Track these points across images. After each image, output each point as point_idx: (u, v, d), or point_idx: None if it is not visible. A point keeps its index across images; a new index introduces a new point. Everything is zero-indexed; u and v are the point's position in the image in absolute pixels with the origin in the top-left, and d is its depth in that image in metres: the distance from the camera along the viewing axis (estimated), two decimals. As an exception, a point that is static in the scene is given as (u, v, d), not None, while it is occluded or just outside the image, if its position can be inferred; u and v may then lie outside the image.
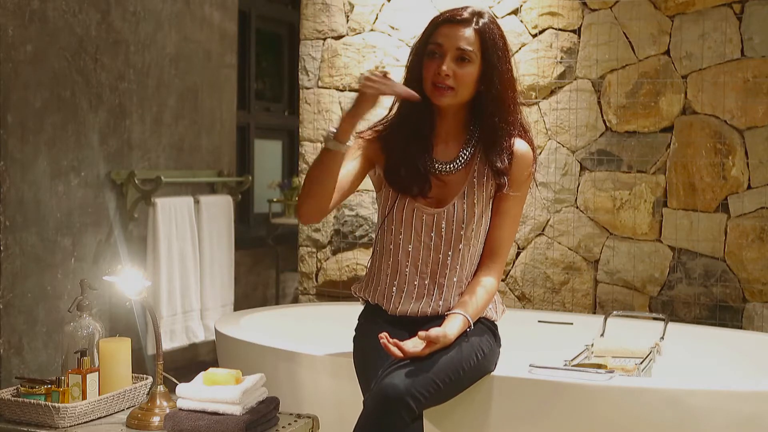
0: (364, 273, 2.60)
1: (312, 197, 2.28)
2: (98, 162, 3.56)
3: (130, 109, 3.71)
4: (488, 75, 2.32)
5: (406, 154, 2.38)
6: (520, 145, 2.40)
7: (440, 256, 2.38)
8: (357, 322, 2.53)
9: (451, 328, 2.25)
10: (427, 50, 2.33)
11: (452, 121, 2.40)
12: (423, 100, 2.32)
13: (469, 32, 2.31)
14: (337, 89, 3.93)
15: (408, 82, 2.38)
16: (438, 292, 2.39)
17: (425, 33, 2.37)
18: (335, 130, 2.22)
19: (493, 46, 2.32)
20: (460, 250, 2.37)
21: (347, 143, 2.23)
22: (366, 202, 3.88)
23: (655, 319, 3.22)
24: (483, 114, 2.36)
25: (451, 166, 2.39)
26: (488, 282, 2.38)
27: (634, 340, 3.00)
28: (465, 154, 2.39)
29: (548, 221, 3.58)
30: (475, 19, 2.32)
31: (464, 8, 2.35)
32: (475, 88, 2.33)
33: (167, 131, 3.93)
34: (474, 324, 2.33)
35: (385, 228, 2.42)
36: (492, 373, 2.41)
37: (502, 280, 3.61)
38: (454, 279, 2.38)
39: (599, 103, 3.50)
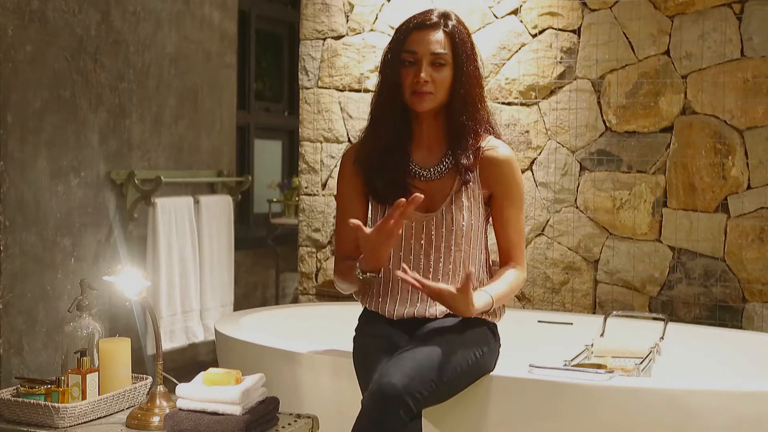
0: None
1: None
2: (98, 162, 3.56)
3: (130, 109, 3.71)
4: (459, 75, 2.34)
5: (382, 166, 2.39)
6: (502, 150, 2.41)
7: (431, 262, 2.37)
8: (357, 322, 2.53)
9: (475, 298, 2.25)
10: (401, 59, 2.35)
11: (431, 126, 2.41)
12: (397, 109, 2.36)
13: (439, 35, 2.33)
14: (337, 89, 3.93)
15: (383, 91, 2.40)
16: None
17: (396, 41, 2.38)
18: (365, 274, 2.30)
19: (462, 47, 2.34)
20: (451, 256, 2.37)
21: (380, 270, 2.31)
22: (366, 202, 3.88)
23: (654, 319, 3.22)
24: (452, 113, 2.37)
25: (435, 171, 2.40)
26: (512, 271, 2.41)
27: (633, 340, 3.00)
28: (448, 159, 2.40)
29: (548, 221, 3.58)
30: (443, 22, 2.34)
31: (431, 11, 2.38)
32: (450, 89, 2.35)
33: (167, 131, 3.94)
34: (475, 321, 2.35)
35: None
36: (491, 373, 2.41)
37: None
38: (448, 284, 2.37)
39: (599, 103, 3.50)
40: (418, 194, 2.16)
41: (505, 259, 2.44)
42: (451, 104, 2.36)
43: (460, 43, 2.34)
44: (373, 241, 2.21)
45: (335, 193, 3.88)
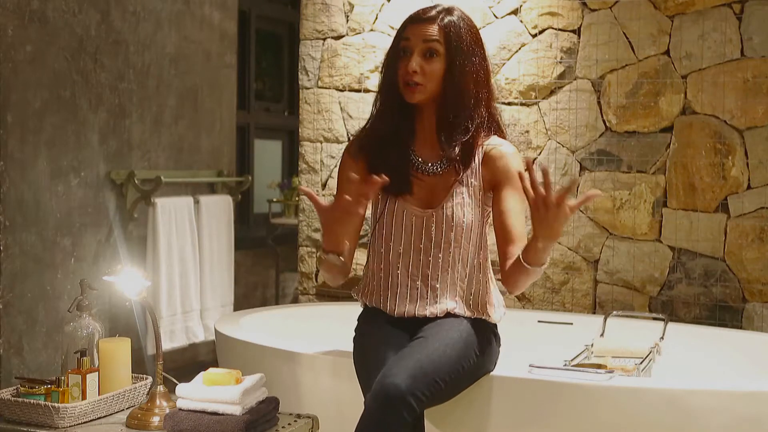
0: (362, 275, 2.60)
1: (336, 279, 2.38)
2: (98, 162, 3.56)
3: (130, 109, 3.71)
4: (451, 69, 2.33)
5: (383, 155, 2.39)
6: (504, 147, 2.40)
7: (430, 258, 2.37)
8: (357, 322, 2.53)
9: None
10: (398, 49, 2.37)
11: (431, 121, 2.40)
12: (395, 102, 2.37)
13: (433, 29, 2.33)
14: (337, 89, 3.93)
15: (384, 84, 2.41)
16: (432, 294, 2.38)
17: (396, 35, 2.41)
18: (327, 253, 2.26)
19: (457, 41, 2.33)
20: (450, 252, 2.37)
21: (342, 252, 2.26)
22: (366, 202, 3.88)
23: (654, 319, 3.22)
24: (443, 107, 2.36)
25: (436, 166, 2.40)
26: None
27: (633, 340, 3.00)
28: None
29: (548, 221, 3.57)
30: (441, 16, 2.35)
31: (433, 7, 2.39)
32: (442, 82, 2.34)
33: (167, 131, 3.93)
34: (475, 321, 2.36)
35: (377, 232, 2.43)
36: (492, 373, 2.41)
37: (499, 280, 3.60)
38: (447, 282, 2.37)
39: (599, 103, 3.50)
40: (384, 177, 2.12)
41: (509, 246, 2.34)
42: (443, 98, 2.36)
43: (455, 37, 2.33)
44: (328, 215, 2.18)
45: (335, 192, 3.88)
